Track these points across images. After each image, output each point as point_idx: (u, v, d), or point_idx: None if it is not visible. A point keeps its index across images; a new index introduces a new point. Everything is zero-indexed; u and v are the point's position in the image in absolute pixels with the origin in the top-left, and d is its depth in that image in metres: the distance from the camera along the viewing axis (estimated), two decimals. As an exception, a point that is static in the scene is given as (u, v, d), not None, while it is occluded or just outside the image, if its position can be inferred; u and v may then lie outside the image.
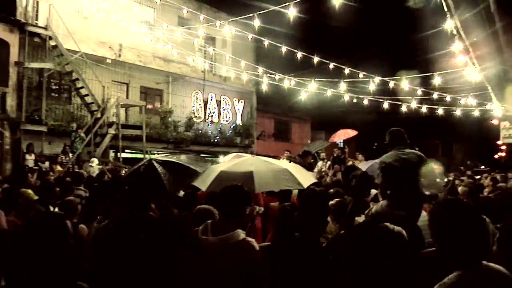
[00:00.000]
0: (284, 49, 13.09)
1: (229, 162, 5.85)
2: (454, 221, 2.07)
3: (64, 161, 13.62)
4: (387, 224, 2.76)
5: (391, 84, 13.89)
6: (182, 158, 6.46)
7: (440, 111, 16.31)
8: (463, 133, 30.50)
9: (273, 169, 4.72)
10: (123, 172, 11.09)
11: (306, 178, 4.83)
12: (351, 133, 17.42)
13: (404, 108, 16.02)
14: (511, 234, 2.69)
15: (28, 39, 15.29)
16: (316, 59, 13.20)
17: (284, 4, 8.28)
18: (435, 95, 14.84)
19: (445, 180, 10.10)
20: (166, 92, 21.53)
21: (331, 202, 4.40)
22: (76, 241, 4.54)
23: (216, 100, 23.67)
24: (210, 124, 23.29)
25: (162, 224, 3.63)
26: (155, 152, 18.50)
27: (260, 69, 15.12)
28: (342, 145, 19.18)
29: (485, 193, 7.60)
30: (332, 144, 19.47)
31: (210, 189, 4.41)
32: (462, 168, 20.40)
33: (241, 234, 2.81)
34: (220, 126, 23.73)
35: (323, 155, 14.49)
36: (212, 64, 21.63)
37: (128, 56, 19.35)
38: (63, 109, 17.02)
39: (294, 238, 3.13)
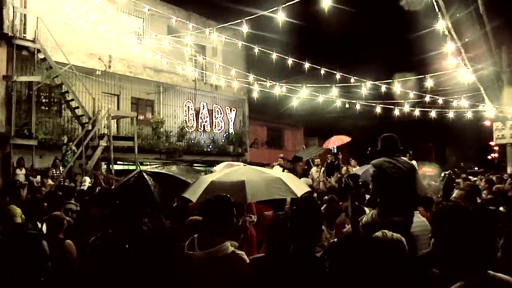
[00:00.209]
0: (274, 56, 13.03)
1: (220, 171, 5.73)
2: (459, 229, 1.95)
3: (55, 175, 13.43)
4: (385, 232, 2.64)
5: (383, 88, 13.86)
6: (173, 170, 6.33)
7: (433, 113, 16.29)
8: (456, 135, 30.57)
9: (265, 178, 4.60)
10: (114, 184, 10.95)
11: (299, 187, 4.71)
12: (344, 139, 17.39)
13: (396, 112, 15.98)
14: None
15: (16, 52, 15.08)
16: (307, 65, 13.15)
17: (272, 9, 8.21)
18: (427, 98, 14.83)
19: (442, 174, 10.04)
20: (157, 102, 21.38)
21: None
22: (62, 257, 4.42)
23: (208, 109, 23.54)
24: (202, 134, 23.15)
25: (150, 239, 3.50)
26: (148, 163, 18.31)
27: (251, 77, 15.05)
28: (335, 151, 19.12)
29: (484, 195, 7.50)
30: (326, 151, 19.41)
31: (200, 199, 4.27)
32: (456, 170, 20.36)
33: (230, 247, 2.67)
34: (213, 135, 23.58)
35: (317, 161, 14.39)
36: (203, 73, 21.55)
37: (118, 67, 19.20)
38: (54, 122, 16.80)
39: (288, 250, 3.00)
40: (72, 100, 16.14)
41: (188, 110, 22.66)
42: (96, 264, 3.07)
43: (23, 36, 15.82)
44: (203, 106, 23.28)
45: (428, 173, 16.64)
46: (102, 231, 3.58)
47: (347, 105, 16.19)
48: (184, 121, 22.28)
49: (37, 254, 1.99)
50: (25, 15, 16.20)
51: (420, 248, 3.92)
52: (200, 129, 23.04)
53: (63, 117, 17.36)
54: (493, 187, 8.64)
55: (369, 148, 5.23)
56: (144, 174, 5.97)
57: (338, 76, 13.61)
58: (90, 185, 12.49)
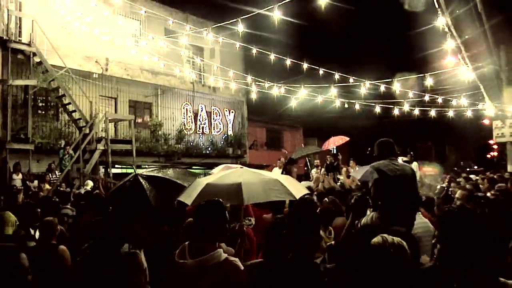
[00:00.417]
0: (272, 56, 12.93)
1: (217, 174, 5.61)
2: (468, 234, 1.83)
3: (52, 179, 13.30)
4: (386, 236, 2.51)
5: (382, 88, 13.77)
6: (169, 173, 6.21)
7: (433, 112, 16.19)
8: (455, 134, 30.49)
9: (262, 179, 4.48)
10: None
11: (298, 189, 4.59)
12: (343, 139, 17.29)
13: (396, 111, 15.88)
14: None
15: (12, 56, 14.97)
16: (305, 65, 13.05)
17: (269, 7, 8.09)
18: (426, 97, 14.73)
19: (438, 186, 9.97)
20: (155, 105, 21.28)
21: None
22: (55, 263, 4.30)
23: (207, 111, 23.44)
24: (201, 136, 23.03)
25: (141, 247, 3.38)
26: (146, 166, 18.21)
27: (249, 78, 14.95)
28: (335, 152, 19.03)
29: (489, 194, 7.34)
30: (325, 152, 19.31)
31: (196, 203, 4.15)
32: (456, 169, 20.30)
33: (222, 254, 2.53)
34: (212, 137, 23.46)
35: (316, 162, 14.28)
36: (201, 74, 21.44)
37: (115, 70, 19.09)
38: (50, 126, 16.69)
39: (286, 255, 2.86)
40: (69, 103, 16.02)
41: (187, 112, 22.56)
42: (86, 274, 2.95)
43: (19, 40, 15.70)
44: (202, 108, 23.18)
45: (429, 172, 16.57)
46: (94, 238, 3.46)
47: (346, 105, 16.10)
48: (183, 124, 22.17)
49: (14, 268, 1.87)
50: (20, 18, 16.10)
51: (423, 250, 3.82)
52: (198, 131, 22.93)
53: (60, 121, 17.25)
54: (496, 186, 8.51)
55: (369, 148, 5.18)
56: (139, 178, 5.84)
57: (337, 76, 13.51)
58: (91, 189, 12.39)
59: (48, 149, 15.83)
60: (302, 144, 29.11)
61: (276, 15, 8.22)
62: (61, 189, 11.78)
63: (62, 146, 15.08)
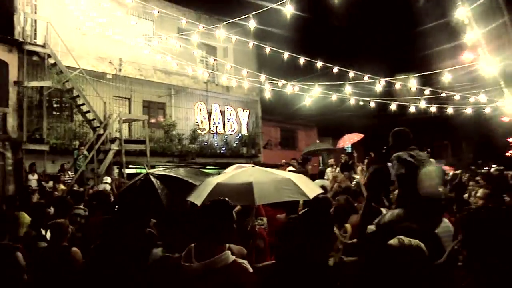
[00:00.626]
0: (286, 55, 12.80)
1: (228, 173, 5.49)
2: (493, 235, 1.69)
3: (66, 179, 13.35)
4: (402, 238, 2.37)
5: (397, 85, 13.53)
6: (181, 172, 6.10)
7: (450, 110, 15.86)
8: (472, 132, 29.94)
9: (274, 179, 4.34)
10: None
11: (311, 188, 4.43)
12: (357, 137, 17.02)
13: (412, 109, 15.60)
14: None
15: (27, 58, 15.14)
16: (319, 63, 12.90)
17: (282, 1, 7.95)
18: (443, 94, 14.44)
19: (451, 173, 9.73)
20: (169, 105, 21.29)
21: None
22: (68, 265, 4.24)
23: (220, 111, 23.38)
24: (215, 136, 22.98)
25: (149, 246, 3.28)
26: (160, 166, 18.18)
27: (263, 77, 14.82)
28: (350, 151, 18.78)
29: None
30: (340, 150, 19.09)
31: (205, 203, 4.04)
32: (473, 167, 19.87)
33: (230, 256, 2.42)
34: (226, 137, 23.40)
35: (331, 161, 14.09)
36: (214, 74, 21.38)
37: (128, 71, 19.15)
38: (65, 127, 16.80)
39: (299, 257, 2.73)
40: (83, 104, 16.09)
41: (200, 112, 22.53)
42: (92, 276, 2.87)
43: (34, 42, 15.87)
44: (215, 107, 23.13)
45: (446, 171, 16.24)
46: (102, 238, 3.38)
47: (361, 103, 15.87)
48: (196, 124, 22.14)
49: (9, 267, 1.79)
50: (35, 21, 16.27)
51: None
52: (212, 131, 22.88)
53: (74, 121, 17.35)
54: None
55: (385, 147, 4.95)
56: (151, 176, 5.75)
57: (351, 74, 13.32)
58: (109, 184, 12.40)
59: (62, 149, 15.94)
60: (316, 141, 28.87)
61: (288, 10, 8.09)
62: (75, 189, 11.79)
63: (77, 146, 15.15)
